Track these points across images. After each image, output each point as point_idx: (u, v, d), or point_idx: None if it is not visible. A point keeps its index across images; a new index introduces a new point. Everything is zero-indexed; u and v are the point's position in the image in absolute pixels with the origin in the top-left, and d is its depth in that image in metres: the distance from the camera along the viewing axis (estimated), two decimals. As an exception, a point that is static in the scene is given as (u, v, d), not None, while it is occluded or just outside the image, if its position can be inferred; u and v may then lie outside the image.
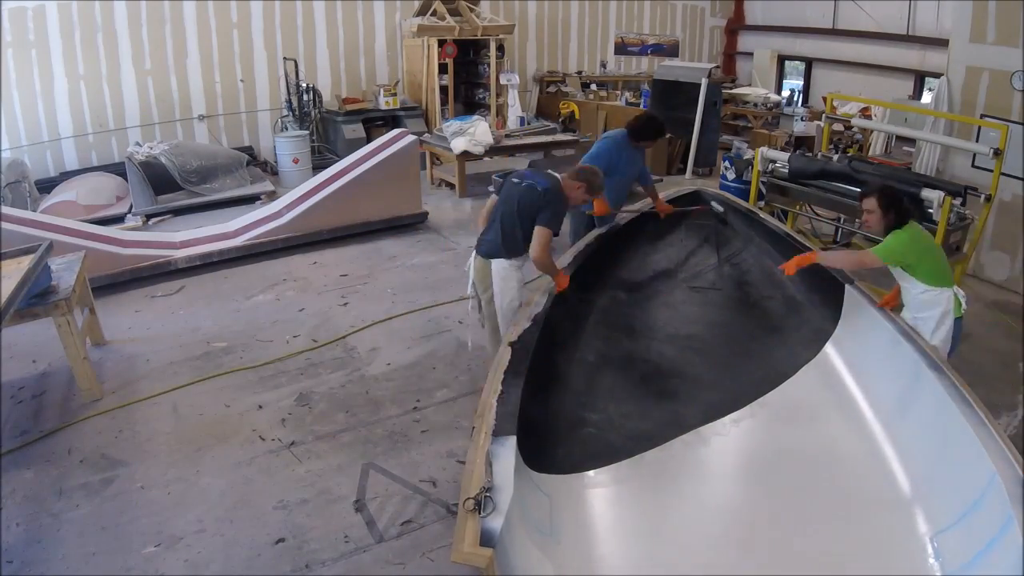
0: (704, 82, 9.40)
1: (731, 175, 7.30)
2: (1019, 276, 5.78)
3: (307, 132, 9.32)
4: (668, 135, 9.48)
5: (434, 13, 10.13)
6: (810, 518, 2.76)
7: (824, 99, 7.44)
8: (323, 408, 4.09)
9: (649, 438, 3.15)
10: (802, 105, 11.41)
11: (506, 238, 3.78)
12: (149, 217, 7.57)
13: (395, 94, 10.11)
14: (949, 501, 2.53)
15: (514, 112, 10.12)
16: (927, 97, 9.50)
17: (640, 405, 3.42)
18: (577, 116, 11.04)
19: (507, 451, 2.39)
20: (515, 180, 3.87)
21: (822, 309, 3.88)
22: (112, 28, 8.64)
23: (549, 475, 2.79)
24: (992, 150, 4.90)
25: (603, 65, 12.76)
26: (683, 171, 9.69)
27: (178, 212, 7.76)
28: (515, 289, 3.83)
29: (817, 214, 6.60)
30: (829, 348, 3.65)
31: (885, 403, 3.18)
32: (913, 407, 2.99)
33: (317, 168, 8.54)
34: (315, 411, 4.06)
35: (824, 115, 6.82)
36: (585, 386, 3.48)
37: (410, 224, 7.29)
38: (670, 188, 5.29)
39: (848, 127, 8.91)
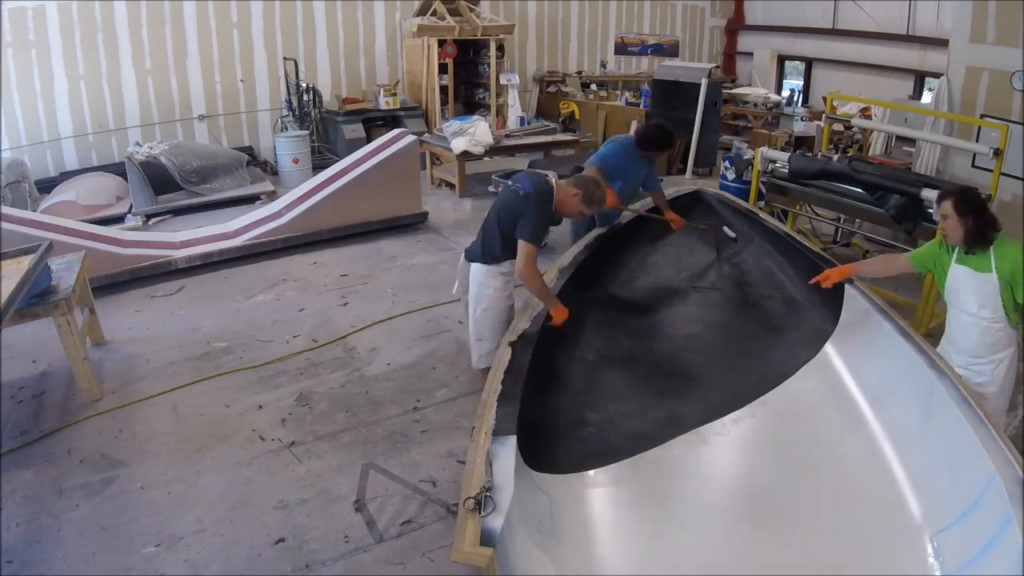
0: (704, 82, 9.41)
1: (731, 175, 7.30)
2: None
3: (307, 132, 9.33)
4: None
5: (434, 13, 10.13)
6: (810, 517, 2.75)
7: (824, 99, 7.44)
8: (323, 408, 4.09)
9: (649, 438, 3.15)
10: (802, 105, 11.41)
11: (485, 242, 3.56)
12: (149, 217, 7.57)
13: (395, 94, 10.11)
14: (949, 500, 2.53)
15: (514, 112, 10.13)
16: (927, 97, 9.50)
17: (640, 405, 3.41)
18: (577, 116, 11.04)
19: (507, 451, 2.39)
20: (509, 183, 3.62)
21: (822, 308, 3.88)
22: (112, 28, 8.65)
23: (549, 475, 2.79)
24: (992, 150, 4.90)
25: (603, 65, 12.76)
26: (683, 171, 9.69)
27: (178, 212, 7.76)
28: (491, 297, 3.56)
29: (817, 214, 6.60)
30: (829, 347, 3.64)
31: (885, 402, 3.17)
32: (913, 406, 2.99)
33: (317, 168, 8.55)
34: (315, 411, 4.07)
35: (824, 115, 6.81)
36: (585, 386, 3.48)
37: (410, 224, 7.29)
38: (670, 188, 5.29)
39: (848, 127, 8.91)
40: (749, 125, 11.37)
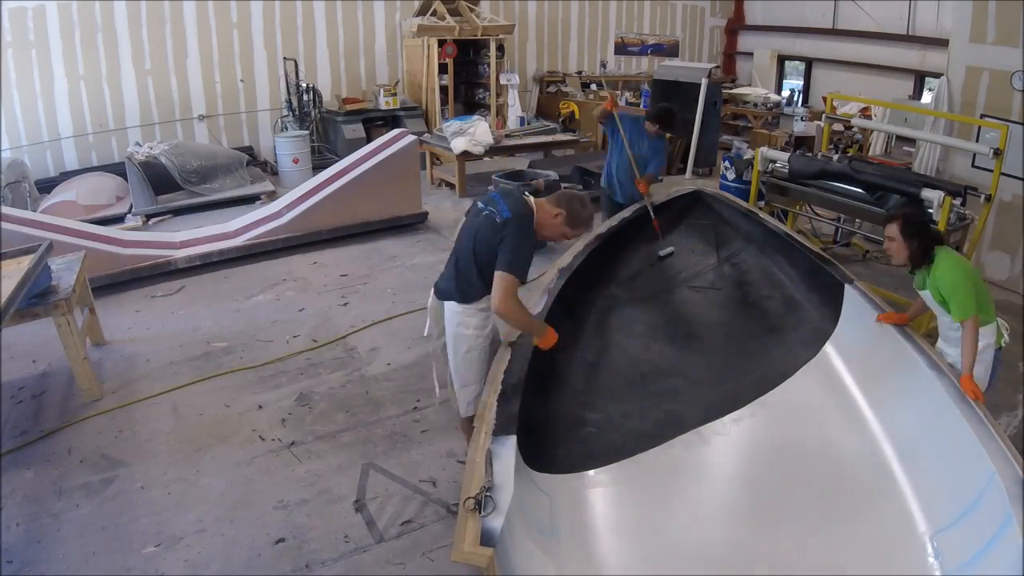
0: (704, 82, 9.40)
1: (731, 175, 7.30)
2: (1019, 276, 5.78)
3: (307, 132, 9.33)
4: (673, 128, 9.50)
5: (434, 13, 10.13)
6: (810, 517, 2.76)
7: (824, 99, 7.43)
8: (323, 408, 4.09)
9: (649, 438, 3.15)
10: (802, 105, 11.41)
11: (459, 278, 3.03)
12: (149, 217, 7.57)
13: (395, 94, 10.11)
14: (948, 500, 2.53)
15: (514, 112, 10.13)
16: (927, 97, 9.49)
17: (640, 405, 3.42)
18: (577, 116, 11.03)
19: (507, 451, 2.39)
20: (480, 205, 3.10)
21: (822, 309, 3.88)
22: (112, 28, 8.64)
23: (549, 475, 2.79)
24: (992, 150, 4.90)
25: (603, 65, 12.75)
26: (683, 171, 9.68)
27: (178, 212, 7.76)
28: (471, 339, 3.05)
29: (817, 214, 6.60)
30: (829, 347, 3.64)
31: (885, 402, 3.17)
32: (913, 406, 2.99)
33: (317, 168, 8.54)
34: (315, 411, 4.06)
35: (824, 115, 6.81)
36: (585, 386, 3.48)
37: (410, 224, 7.29)
38: (670, 188, 5.29)
39: (848, 127, 8.91)
40: (749, 125, 11.37)
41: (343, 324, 5.15)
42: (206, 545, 3.03)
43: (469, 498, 2.14)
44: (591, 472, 2.95)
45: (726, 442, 3.20)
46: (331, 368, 4.55)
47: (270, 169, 9.58)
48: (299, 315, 5.32)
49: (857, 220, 5.91)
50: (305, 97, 9.53)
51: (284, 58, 9.62)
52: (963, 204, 4.76)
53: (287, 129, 9.35)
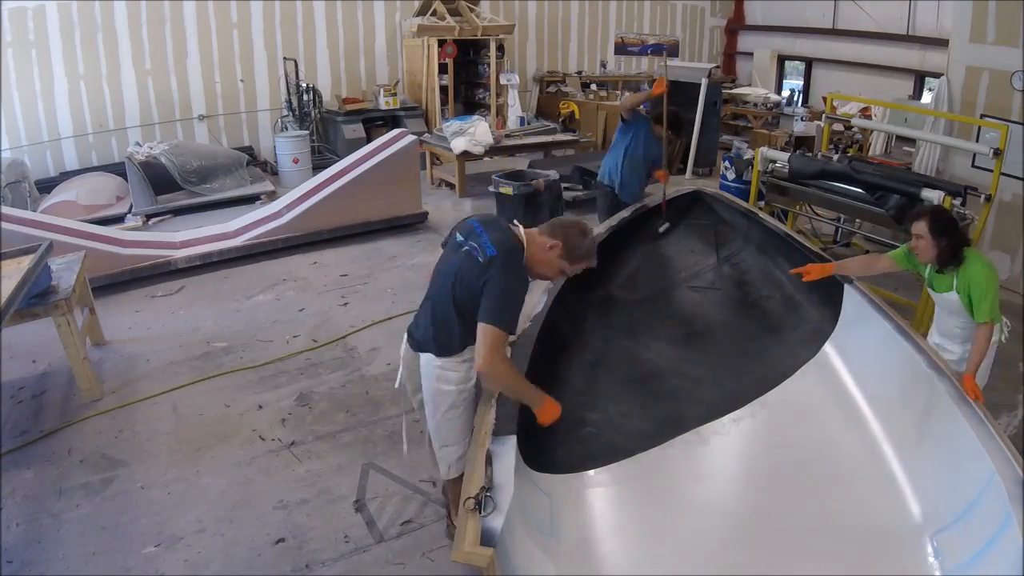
0: (704, 82, 9.41)
1: (731, 175, 7.30)
2: (1019, 276, 5.78)
3: (307, 132, 9.33)
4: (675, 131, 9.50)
5: (434, 13, 10.13)
6: (809, 517, 2.75)
7: (824, 99, 7.44)
8: (323, 408, 4.10)
9: (649, 438, 3.15)
10: (802, 105, 11.41)
11: (437, 327, 2.61)
12: (149, 217, 7.57)
13: (395, 94, 10.11)
14: (948, 500, 2.53)
15: (514, 112, 10.12)
16: (927, 97, 9.49)
17: (640, 405, 3.42)
18: (577, 116, 11.04)
19: (507, 451, 2.39)
20: (458, 238, 2.61)
21: (821, 308, 3.88)
22: (112, 28, 8.65)
23: (549, 475, 2.79)
24: (992, 150, 4.90)
25: (603, 65, 12.75)
26: (683, 171, 9.69)
27: (178, 212, 7.76)
28: (452, 396, 2.64)
29: (817, 214, 6.60)
30: (828, 347, 3.64)
31: (884, 402, 3.17)
32: (912, 406, 2.99)
33: (317, 168, 8.54)
34: (315, 411, 4.07)
35: (824, 115, 6.81)
36: (585, 386, 3.48)
37: (410, 224, 7.29)
38: (670, 188, 5.28)
39: (848, 127, 8.91)
40: (749, 125, 11.37)
41: (343, 324, 5.15)
42: (206, 545, 3.03)
43: (469, 498, 2.14)
44: (591, 472, 2.95)
45: (726, 442, 3.20)
46: (331, 368, 4.55)
47: (270, 169, 9.58)
48: (299, 315, 5.32)
49: (857, 220, 5.91)
50: (305, 97, 9.53)
51: (284, 58, 9.63)
52: (963, 204, 4.76)
53: (287, 129, 9.35)
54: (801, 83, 12.59)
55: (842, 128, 9.01)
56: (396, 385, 2.94)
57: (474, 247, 2.49)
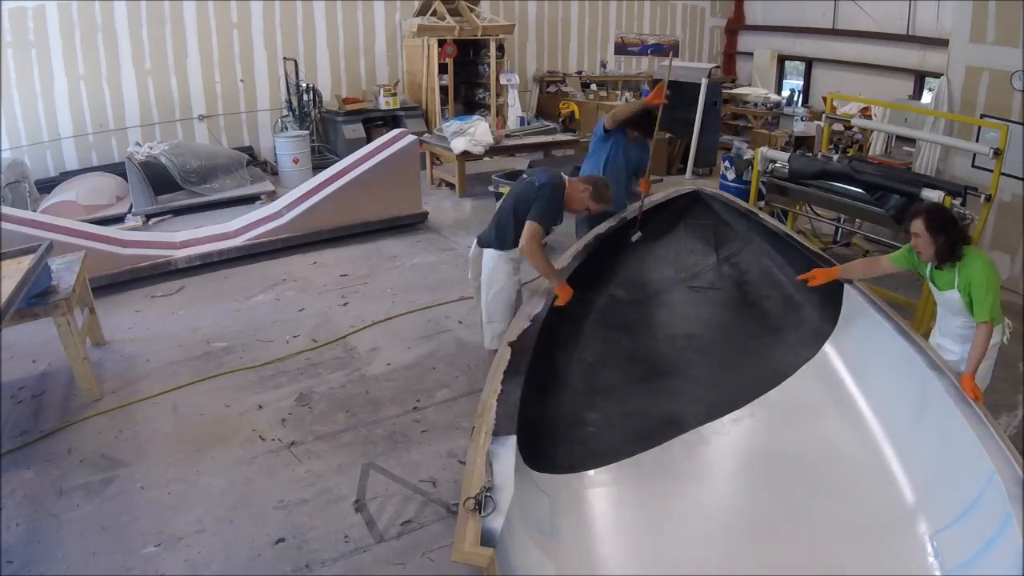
0: (704, 82, 9.41)
1: (731, 175, 7.30)
2: (1019, 276, 5.78)
3: (307, 132, 9.32)
4: (659, 131, 9.48)
5: (434, 13, 10.13)
6: (809, 517, 2.76)
7: (824, 99, 7.43)
8: (323, 408, 4.10)
9: (649, 438, 3.15)
10: (802, 105, 11.40)
11: (499, 229, 3.75)
12: (149, 217, 7.57)
13: (395, 94, 10.10)
14: (948, 500, 2.53)
15: (514, 112, 10.12)
16: (927, 97, 9.49)
17: (640, 405, 3.42)
18: (577, 116, 11.04)
19: (507, 451, 2.39)
20: (524, 176, 3.91)
21: (821, 308, 3.88)
22: (112, 28, 8.64)
23: (549, 475, 2.79)
24: (992, 150, 4.90)
25: (603, 65, 12.75)
26: (683, 171, 9.69)
27: (178, 212, 7.76)
28: (502, 280, 3.75)
29: (817, 214, 6.60)
30: (828, 347, 3.65)
31: (884, 402, 3.18)
32: (912, 406, 2.99)
33: (317, 168, 8.54)
34: (315, 411, 4.07)
35: (824, 115, 6.81)
36: (585, 386, 3.48)
37: (410, 224, 7.29)
38: (670, 188, 5.28)
39: (848, 127, 8.91)
40: (749, 125, 11.36)
41: (343, 324, 5.15)
42: (206, 545, 3.03)
43: (469, 498, 2.14)
44: (591, 472, 2.95)
45: (726, 442, 3.21)
46: (331, 368, 4.55)
47: (270, 169, 9.58)
48: (299, 315, 5.32)
49: (857, 220, 5.91)
50: (305, 97, 9.52)
51: (284, 58, 9.62)
52: (963, 204, 4.75)
53: (287, 129, 9.35)
54: (801, 83, 12.59)
55: (842, 128, 9.01)
56: (469, 277, 4.05)
57: (532, 178, 3.72)
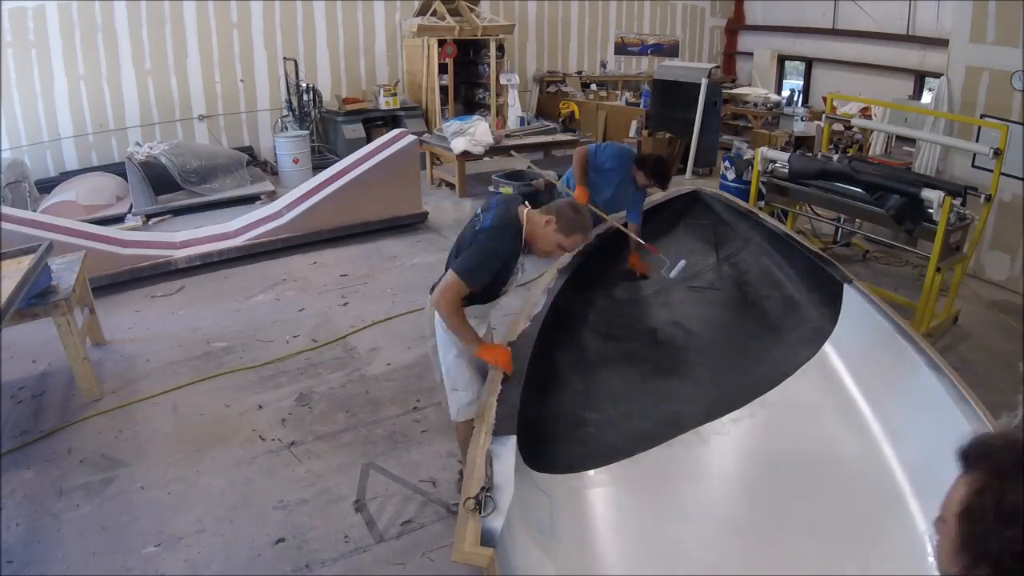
0: (704, 82, 9.41)
1: (731, 175, 7.30)
2: (1019, 276, 5.78)
3: (307, 132, 9.32)
4: (659, 131, 9.49)
5: (434, 13, 10.13)
6: (809, 517, 2.75)
7: (824, 99, 7.43)
8: (323, 408, 4.10)
9: (649, 438, 3.15)
10: (802, 105, 11.40)
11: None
12: (149, 217, 7.57)
13: (395, 94, 10.11)
14: (949, 501, 2.52)
15: (514, 112, 10.13)
16: (927, 97, 9.49)
17: (640, 405, 3.41)
18: (577, 116, 11.05)
19: (507, 451, 2.39)
20: (477, 212, 2.95)
21: (821, 308, 3.88)
22: (112, 28, 8.65)
23: (549, 475, 2.79)
24: (992, 150, 4.90)
25: (603, 65, 12.76)
26: (683, 171, 9.69)
27: (178, 212, 7.76)
28: (458, 342, 2.86)
29: (817, 214, 6.60)
30: (828, 347, 3.64)
31: (884, 402, 3.17)
32: (912, 406, 2.99)
33: (317, 168, 8.54)
34: (315, 411, 4.07)
35: (824, 115, 6.81)
36: (585, 386, 3.48)
37: (410, 224, 7.29)
38: (669, 188, 5.28)
39: (848, 127, 8.91)
40: (749, 125, 11.37)
41: (343, 324, 5.15)
42: (206, 545, 3.03)
43: (469, 498, 2.14)
44: (591, 472, 2.95)
45: (725, 442, 3.20)
46: (331, 368, 4.55)
47: (270, 169, 9.58)
48: (299, 315, 5.32)
49: (857, 220, 5.91)
50: (305, 97, 9.53)
51: (284, 58, 9.62)
52: (963, 204, 4.76)
53: (287, 129, 9.35)
54: (801, 83, 12.59)
55: (842, 128, 9.01)
56: (428, 338, 3.16)
57: (478, 218, 2.84)
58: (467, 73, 11.25)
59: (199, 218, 7.53)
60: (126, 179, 8.00)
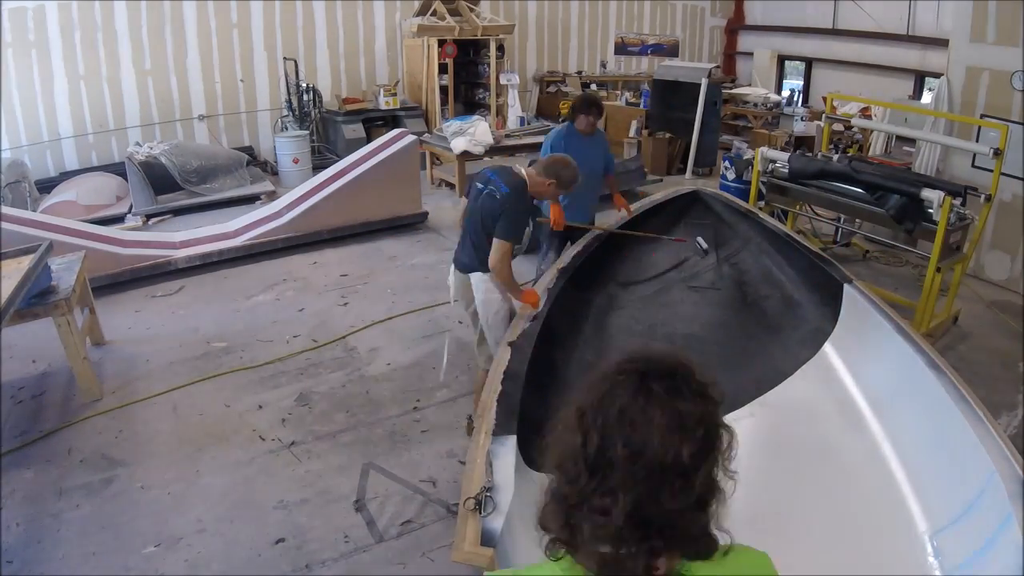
0: (704, 82, 9.40)
1: (731, 175, 7.30)
2: (1019, 276, 5.78)
3: (307, 132, 9.32)
4: (659, 131, 9.51)
5: (434, 13, 10.12)
6: (809, 517, 2.75)
7: (824, 99, 7.43)
8: (323, 408, 4.10)
9: (649, 438, 3.14)
10: (802, 105, 11.40)
11: (478, 251, 3.51)
12: (149, 217, 7.57)
13: (395, 94, 10.10)
14: (948, 500, 2.52)
15: (514, 112, 10.12)
16: (927, 97, 9.49)
17: (640, 405, 3.41)
18: (577, 116, 11.02)
19: (507, 451, 2.39)
20: (479, 185, 3.54)
21: (821, 308, 3.88)
22: (112, 28, 8.64)
23: (549, 475, 2.78)
24: (992, 150, 4.90)
25: (603, 65, 12.75)
26: (683, 171, 9.69)
27: (178, 212, 7.76)
28: (499, 300, 3.55)
29: (817, 214, 6.60)
30: (828, 347, 3.64)
31: (884, 402, 3.17)
32: (912, 406, 2.99)
33: (317, 168, 8.54)
34: (315, 411, 4.07)
35: (824, 115, 6.81)
36: (585, 386, 3.47)
37: (410, 224, 7.29)
38: (669, 188, 5.29)
39: (848, 127, 8.91)
40: (749, 125, 11.36)
41: (343, 324, 5.15)
42: (206, 545, 3.03)
43: (469, 498, 2.14)
44: (591, 472, 2.94)
45: (725, 442, 3.20)
46: (331, 368, 4.55)
47: (270, 169, 9.58)
48: (299, 315, 5.32)
49: (857, 220, 5.91)
50: (305, 97, 9.52)
51: (284, 58, 9.62)
52: (963, 204, 4.76)
53: (287, 129, 9.35)
54: (801, 83, 12.58)
55: (842, 128, 9.00)
56: (452, 301, 3.89)
57: (492, 190, 3.42)
58: (467, 73, 11.24)
59: (199, 218, 7.53)
60: (126, 179, 8.00)
